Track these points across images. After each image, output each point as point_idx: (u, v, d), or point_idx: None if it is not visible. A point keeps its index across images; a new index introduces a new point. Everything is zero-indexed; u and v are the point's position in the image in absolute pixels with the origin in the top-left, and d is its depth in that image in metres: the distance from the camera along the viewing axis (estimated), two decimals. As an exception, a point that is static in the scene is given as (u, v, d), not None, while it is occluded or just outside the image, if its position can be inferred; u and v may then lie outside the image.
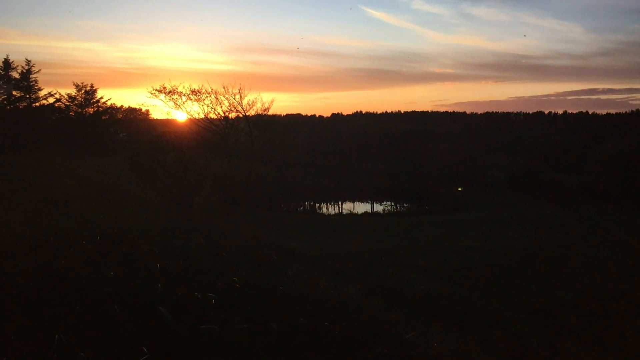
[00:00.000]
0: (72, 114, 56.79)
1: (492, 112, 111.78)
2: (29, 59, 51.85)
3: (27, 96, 51.13)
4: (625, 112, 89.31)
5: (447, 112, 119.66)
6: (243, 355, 2.85)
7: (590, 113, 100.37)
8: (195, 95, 39.14)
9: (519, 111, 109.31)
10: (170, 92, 37.44)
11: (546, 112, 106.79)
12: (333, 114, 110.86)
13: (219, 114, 41.47)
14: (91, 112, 57.78)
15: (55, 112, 56.18)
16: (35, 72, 50.80)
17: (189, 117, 39.59)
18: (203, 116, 41.31)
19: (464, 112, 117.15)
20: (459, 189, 46.90)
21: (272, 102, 40.51)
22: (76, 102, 56.14)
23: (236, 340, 2.97)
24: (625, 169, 41.73)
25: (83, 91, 55.80)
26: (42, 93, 51.97)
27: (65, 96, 54.95)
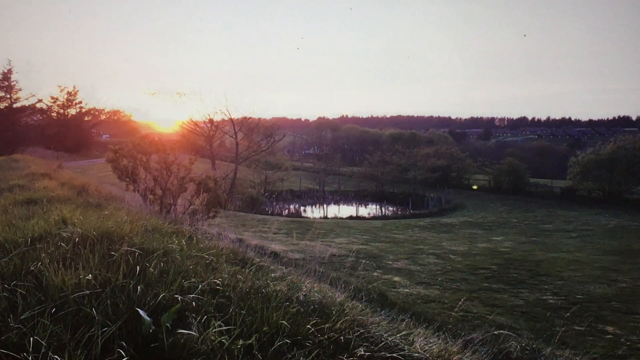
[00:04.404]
0: (54, 114, 56.05)
1: (477, 117, 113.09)
2: (9, 58, 51.14)
3: (8, 96, 50.38)
4: (607, 118, 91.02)
5: (432, 116, 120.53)
6: (223, 359, 2.81)
7: (573, 119, 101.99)
8: (182, 96, 38.99)
9: (503, 116, 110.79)
10: (158, 93, 37.29)
11: (530, 118, 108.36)
12: (319, 118, 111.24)
13: (204, 115, 41.31)
14: (73, 113, 57.08)
15: (37, 113, 55.45)
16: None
17: (174, 119, 39.41)
18: (188, 118, 41.10)
19: (449, 117, 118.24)
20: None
21: (257, 105, 40.66)
22: (58, 102, 55.44)
23: (216, 344, 2.92)
24: (607, 174, 42.44)
25: (65, 92, 55.15)
26: (23, 93, 51.25)
27: (48, 97, 54.24)
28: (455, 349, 3.79)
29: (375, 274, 13.43)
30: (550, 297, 11.92)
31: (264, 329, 3.25)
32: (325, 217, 35.91)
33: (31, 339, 2.70)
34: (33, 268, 3.90)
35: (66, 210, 6.66)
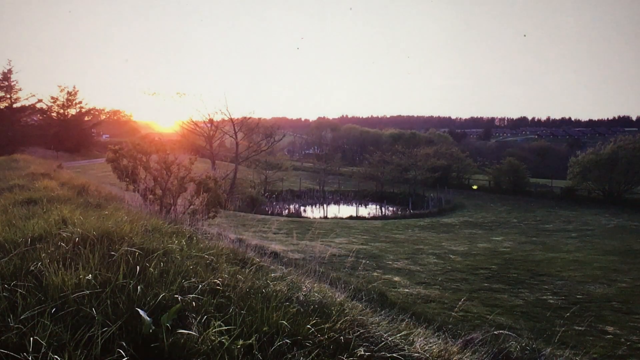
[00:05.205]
0: (54, 114, 56.06)
1: (477, 117, 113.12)
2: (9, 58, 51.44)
3: (8, 96, 50.37)
4: (607, 118, 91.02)
5: (432, 116, 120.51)
6: (223, 359, 2.80)
7: (573, 119, 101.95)
8: (182, 96, 39.01)
9: (503, 116, 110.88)
10: (158, 93, 37.38)
11: (530, 118, 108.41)
12: (319, 118, 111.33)
13: (204, 115, 41.32)
14: (73, 113, 57.06)
15: (37, 113, 55.46)
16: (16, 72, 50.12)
17: (174, 119, 39.50)
18: (188, 118, 41.12)
19: (449, 117, 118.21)
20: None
21: (257, 104, 40.85)
22: (58, 102, 55.44)
23: (216, 344, 2.92)
24: (607, 174, 42.47)
25: (65, 92, 55.12)
26: (23, 94, 51.37)
27: (48, 97, 54.25)
28: (455, 349, 3.78)
29: (375, 274, 13.43)
30: (550, 297, 11.91)
31: (264, 329, 3.25)
32: (325, 217, 35.89)
33: (31, 339, 2.70)
34: (33, 268, 3.90)
35: (66, 210, 6.65)
